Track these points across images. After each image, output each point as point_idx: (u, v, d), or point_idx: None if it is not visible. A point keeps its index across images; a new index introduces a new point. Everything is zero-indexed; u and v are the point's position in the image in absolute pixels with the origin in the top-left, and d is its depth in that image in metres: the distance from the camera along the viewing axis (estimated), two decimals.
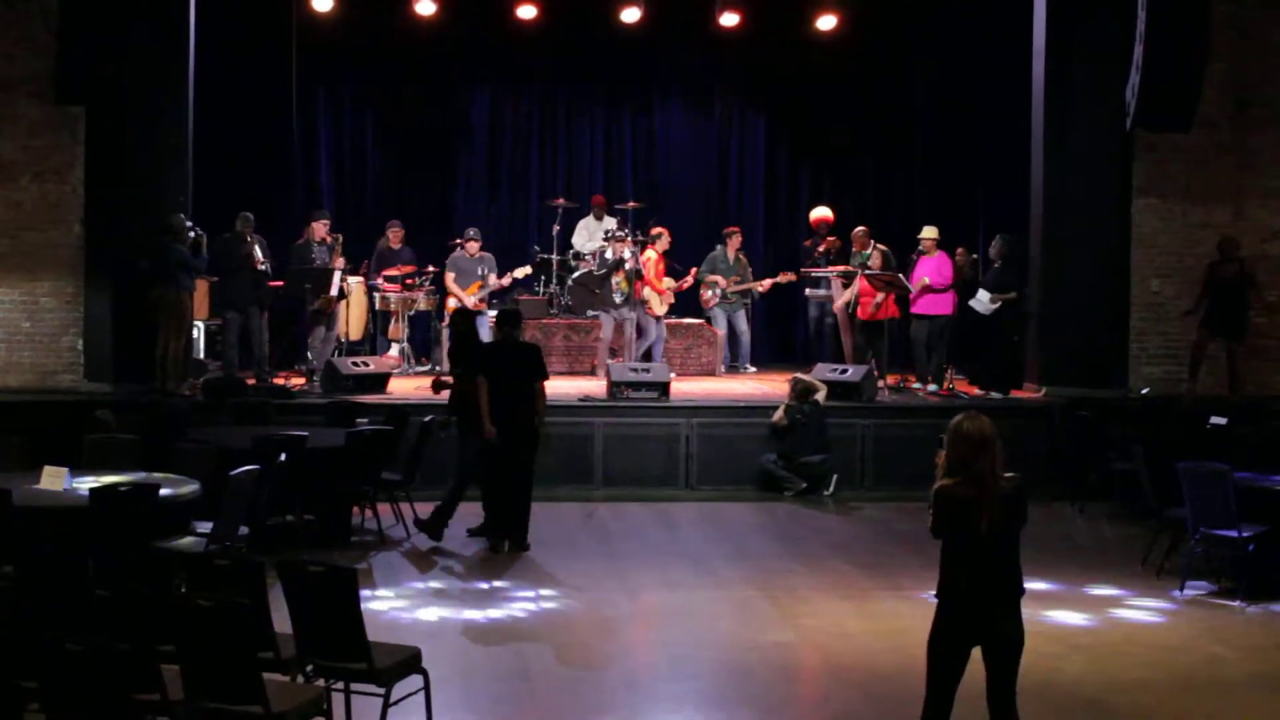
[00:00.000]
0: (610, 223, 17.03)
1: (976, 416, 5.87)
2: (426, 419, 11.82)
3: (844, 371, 14.34)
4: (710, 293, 16.54)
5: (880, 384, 14.32)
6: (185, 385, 13.62)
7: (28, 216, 14.23)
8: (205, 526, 8.90)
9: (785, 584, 10.00)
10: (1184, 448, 10.60)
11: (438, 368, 15.28)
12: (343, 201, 18.25)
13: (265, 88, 16.92)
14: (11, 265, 14.21)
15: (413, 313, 16.13)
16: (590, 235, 17.17)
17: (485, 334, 14.99)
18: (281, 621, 6.52)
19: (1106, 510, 12.60)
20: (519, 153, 19.17)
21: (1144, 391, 14.45)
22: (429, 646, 6.92)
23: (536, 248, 17.32)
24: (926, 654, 5.91)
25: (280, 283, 14.68)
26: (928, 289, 14.65)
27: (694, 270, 16.47)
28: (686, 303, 16.84)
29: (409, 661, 6.58)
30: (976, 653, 5.88)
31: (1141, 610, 9.51)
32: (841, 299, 15.82)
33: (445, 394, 11.50)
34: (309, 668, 6.47)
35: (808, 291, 16.93)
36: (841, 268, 16.15)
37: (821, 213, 17.35)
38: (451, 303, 15.35)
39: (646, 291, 15.93)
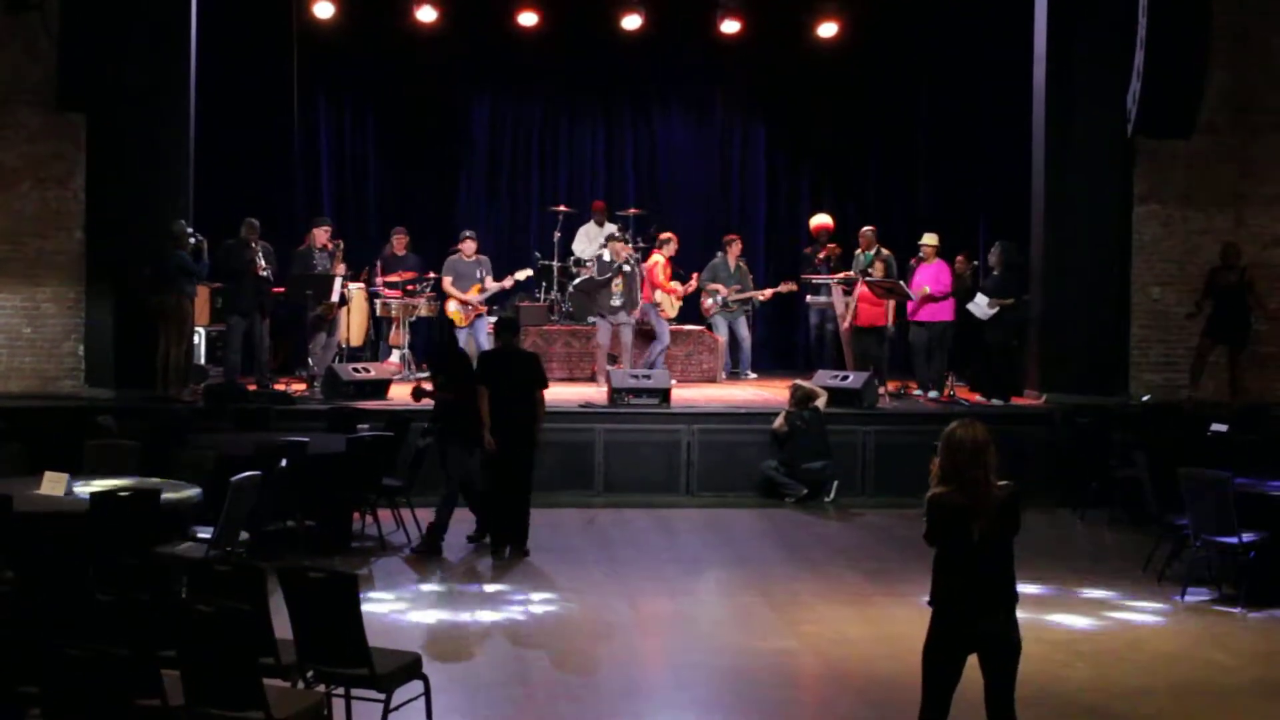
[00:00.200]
0: (611, 229, 17.04)
1: (970, 424, 5.87)
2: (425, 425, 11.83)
3: (845, 378, 14.34)
4: (711, 301, 16.55)
5: (880, 390, 14.32)
6: (186, 391, 13.63)
7: (29, 223, 14.23)
8: (206, 532, 8.91)
9: (786, 590, 10.00)
10: (1185, 454, 10.59)
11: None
12: (343, 208, 18.26)
13: (266, 94, 16.93)
14: (13, 271, 14.22)
15: (413, 319, 16.12)
16: (591, 241, 17.18)
17: (483, 338, 15.05)
18: (282, 627, 6.52)
19: (1107, 517, 12.58)
20: (520, 159, 19.18)
21: (1145, 398, 14.46)
22: (429, 652, 6.93)
23: (537, 254, 17.33)
24: (922, 661, 5.92)
25: (282, 289, 14.69)
26: (928, 298, 14.66)
27: (695, 275, 16.48)
28: (688, 309, 16.85)
29: (410, 667, 6.59)
30: (974, 658, 5.88)
31: (1142, 617, 9.50)
32: (842, 306, 15.82)
33: (426, 402, 11.35)
34: (310, 673, 6.47)
35: (809, 298, 16.93)
36: (842, 275, 16.15)
37: (822, 220, 17.36)
38: (451, 306, 15.36)
39: (658, 295, 15.96)
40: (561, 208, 17.54)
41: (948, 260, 15.25)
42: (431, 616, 9.23)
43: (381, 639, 6.92)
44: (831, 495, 13.29)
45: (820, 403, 13.47)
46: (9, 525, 7.98)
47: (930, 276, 14.79)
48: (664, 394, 13.96)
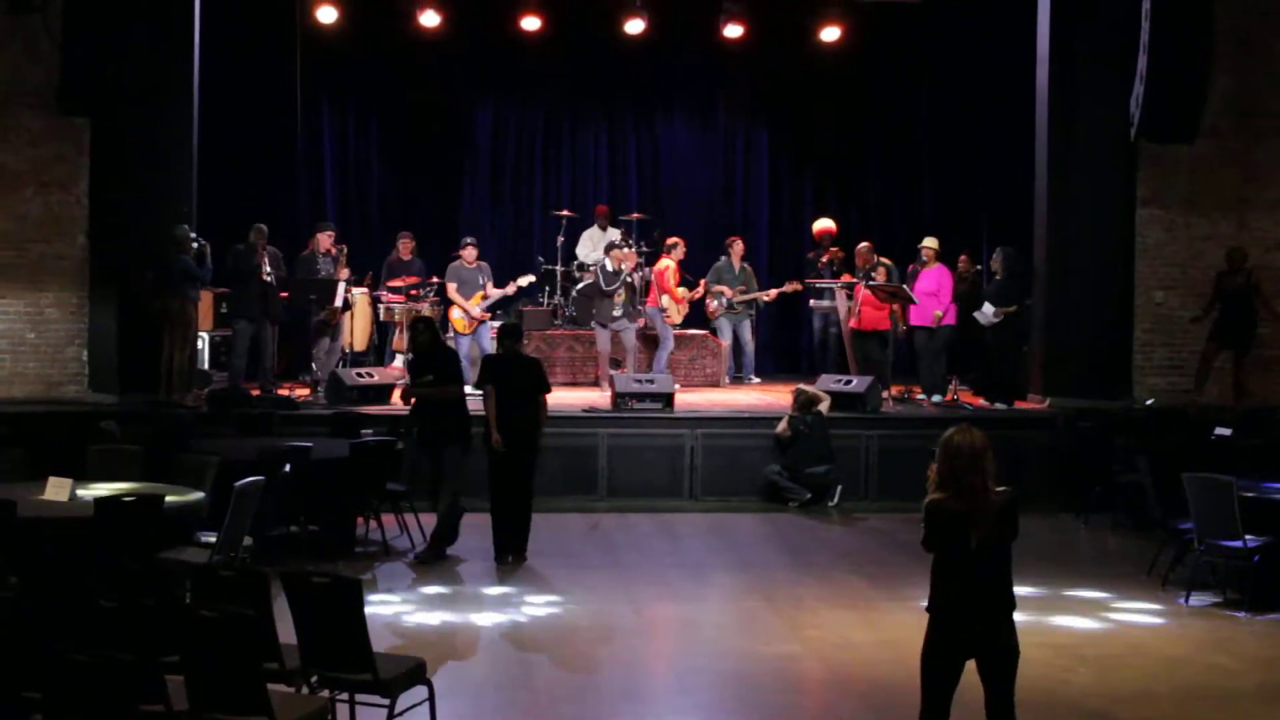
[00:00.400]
0: (614, 234, 17.05)
1: (968, 430, 5.87)
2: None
3: (848, 382, 14.33)
4: (716, 303, 16.55)
5: (884, 395, 14.31)
6: (190, 396, 13.63)
7: (32, 228, 14.23)
8: (210, 537, 8.90)
9: (789, 595, 9.99)
10: (1189, 458, 10.58)
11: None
12: (347, 213, 18.25)
13: (269, 98, 16.94)
14: (16, 276, 14.22)
15: None
16: (594, 246, 17.19)
17: (487, 343, 15.06)
18: (286, 632, 6.53)
19: (1111, 521, 12.58)
20: (523, 163, 19.17)
21: (1148, 402, 14.44)
22: (433, 657, 6.93)
23: (540, 259, 17.34)
24: (920, 667, 5.92)
25: (285, 294, 14.70)
26: (939, 319, 14.68)
27: (703, 282, 16.48)
28: (691, 313, 16.85)
29: (414, 672, 6.59)
30: (973, 663, 5.88)
31: (1146, 621, 9.50)
32: (844, 307, 15.82)
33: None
34: (314, 678, 6.47)
35: (812, 302, 16.93)
36: (845, 279, 16.15)
37: (825, 224, 17.35)
38: (455, 313, 15.36)
39: (664, 300, 15.97)
40: (564, 212, 17.53)
41: (950, 262, 15.26)
42: (435, 621, 9.23)
43: (385, 644, 6.93)
44: (835, 500, 13.28)
45: (823, 407, 13.47)
46: (13, 530, 7.98)
47: (932, 283, 14.79)
48: (667, 398, 13.96)
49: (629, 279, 15.62)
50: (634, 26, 16.64)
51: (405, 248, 16.26)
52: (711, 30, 17.01)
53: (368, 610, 6.62)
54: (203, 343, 15.21)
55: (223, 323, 15.60)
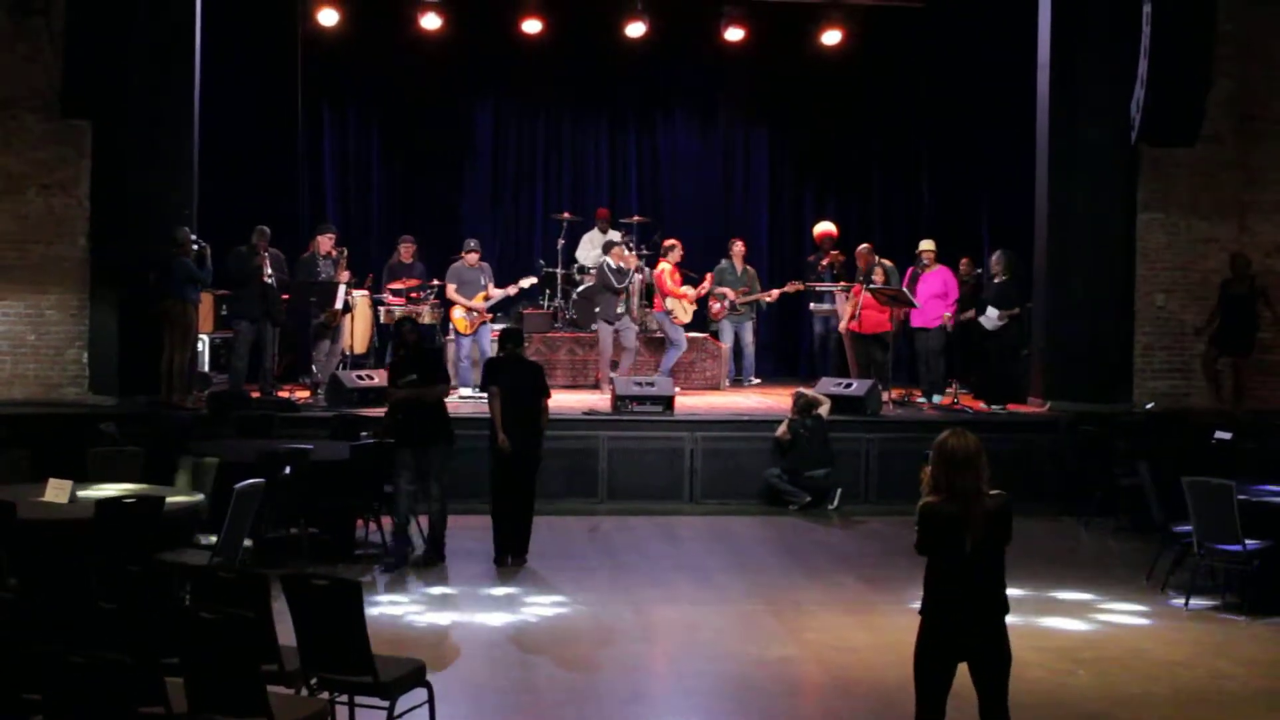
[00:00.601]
0: (615, 236, 17.04)
1: (962, 433, 5.88)
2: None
3: (848, 385, 14.33)
4: (719, 304, 16.55)
5: (884, 398, 14.32)
6: (190, 398, 13.64)
7: (34, 230, 14.22)
8: (209, 539, 8.91)
9: (789, 598, 10.00)
10: (1189, 462, 10.58)
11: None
12: (347, 215, 18.26)
13: (270, 101, 16.95)
14: (17, 278, 14.21)
15: None
16: (595, 248, 17.19)
17: (487, 345, 15.06)
18: (285, 634, 6.53)
19: (1111, 525, 12.57)
20: (524, 166, 19.18)
21: (1149, 406, 14.44)
22: (433, 658, 6.93)
23: (541, 261, 17.34)
24: (913, 670, 5.93)
25: (286, 296, 14.70)
26: (944, 323, 14.70)
27: (709, 276, 16.45)
28: (697, 314, 16.82)
29: (414, 674, 6.59)
30: (964, 667, 5.88)
31: (1146, 624, 9.50)
32: (846, 314, 15.82)
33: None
34: (313, 680, 6.47)
35: (812, 306, 16.93)
36: (845, 283, 16.14)
37: (825, 227, 17.35)
38: (457, 314, 15.37)
39: (669, 302, 15.95)
40: (565, 215, 17.53)
41: (950, 265, 15.25)
42: (435, 623, 9.23)
43: (385, 646, 6.92)
44: (835, 503, 13.29)
45: (823, 410, 13.47)
46: (13, 532, 7.98)
47: (935, 286, 14.79)
48: (667, 401, 13.97)
49: (636, 276, 15.56)
50: (635, 29, 16.67)
51: (406, 251, 16.26)
52: (712, 33, 17.04)
53: (367, 612, 6.62)
54: (203, 345, 15.22)
55: (223, 325, 15.61)
